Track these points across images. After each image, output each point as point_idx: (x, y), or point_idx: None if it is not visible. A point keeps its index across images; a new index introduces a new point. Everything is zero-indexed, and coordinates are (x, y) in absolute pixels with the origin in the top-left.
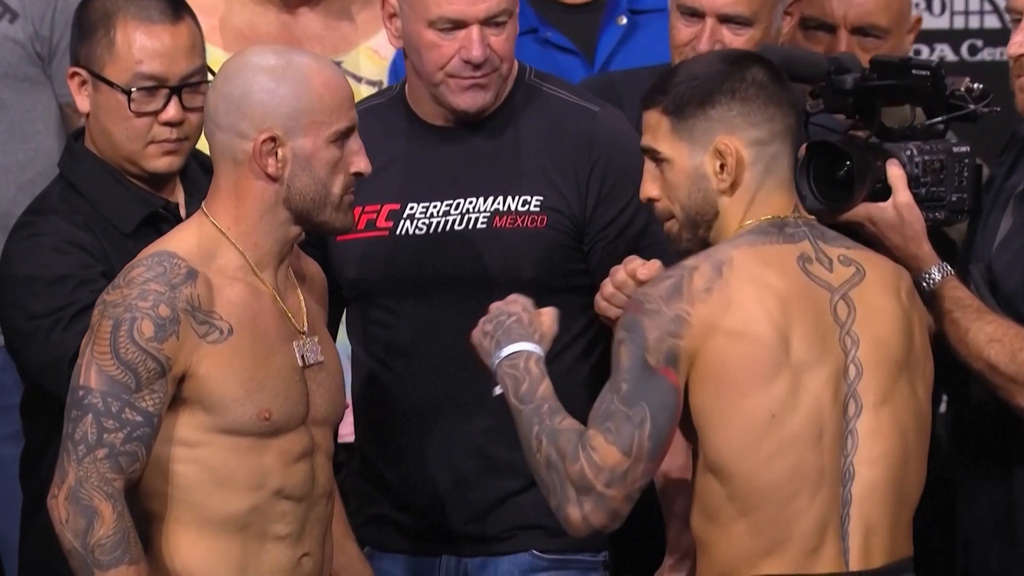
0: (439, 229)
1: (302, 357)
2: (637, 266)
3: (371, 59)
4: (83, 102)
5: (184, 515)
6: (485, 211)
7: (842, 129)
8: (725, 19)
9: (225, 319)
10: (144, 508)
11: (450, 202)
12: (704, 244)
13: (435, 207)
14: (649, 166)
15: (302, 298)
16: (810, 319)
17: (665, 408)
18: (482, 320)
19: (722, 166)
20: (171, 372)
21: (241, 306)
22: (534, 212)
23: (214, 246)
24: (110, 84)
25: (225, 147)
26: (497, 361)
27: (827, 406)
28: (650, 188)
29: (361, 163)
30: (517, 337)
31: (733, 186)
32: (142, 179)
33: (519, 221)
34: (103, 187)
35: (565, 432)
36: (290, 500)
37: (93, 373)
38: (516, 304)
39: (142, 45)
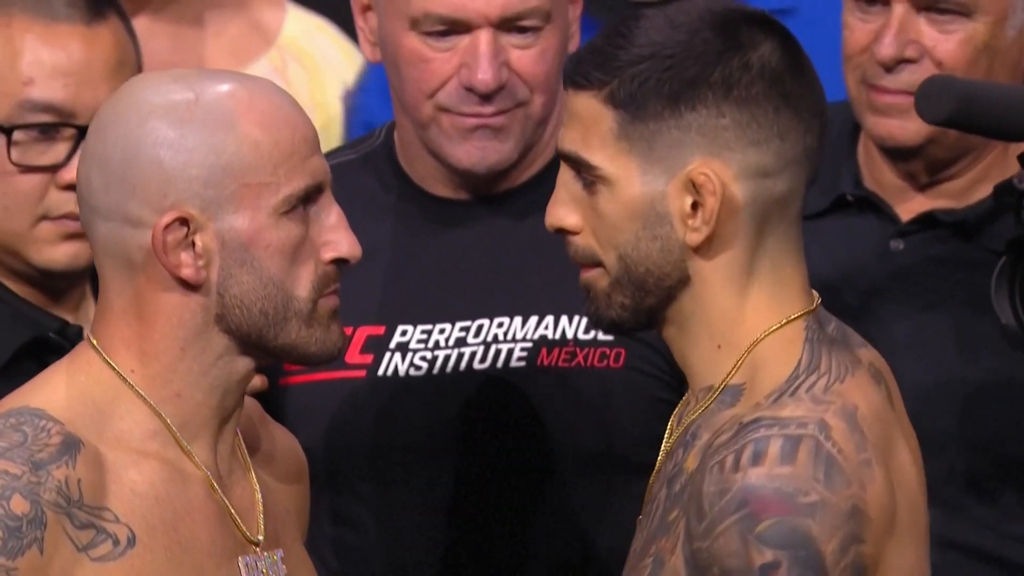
0: (449, 368)
1: None
2: None
3: None
4: None
5: None
6: (525, 340)
7: None
8: (926, 6)
9: (123, 521)
10: None
11: (466, 324)
12: (649, 318)
13: (442, 332)
14: (566, 177)
15: (257, 487)
16: None
17: None
18: None
19: (695, 205)
20: None
21: (152, 499)
22: (605, 343)
23: (109, 401)
24: None
25: (111, 244)
26: None
27: None
28: (563, 212)
29: (343, 243)
30: None
31: (710, 240)
32: (28, 279)
33: (580, 357)
34: None
35: None
36: None
37: None
38: None
39: (36, 57)
